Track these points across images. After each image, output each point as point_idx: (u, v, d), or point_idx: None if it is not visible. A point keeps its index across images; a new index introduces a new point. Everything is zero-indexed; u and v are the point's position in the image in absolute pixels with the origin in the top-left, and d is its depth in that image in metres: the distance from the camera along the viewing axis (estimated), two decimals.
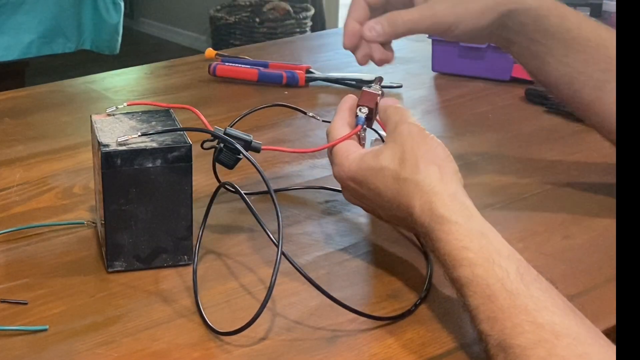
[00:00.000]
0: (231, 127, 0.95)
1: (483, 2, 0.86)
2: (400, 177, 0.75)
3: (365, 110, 0.83)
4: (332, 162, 0.83)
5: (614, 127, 0.89)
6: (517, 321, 0.64)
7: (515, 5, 0.87)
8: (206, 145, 0.79)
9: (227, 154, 0.79)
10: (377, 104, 0.84)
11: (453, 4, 0.85)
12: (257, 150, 0.79)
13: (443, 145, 0.77)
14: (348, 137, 0.81)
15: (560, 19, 0.88)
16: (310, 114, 0.93)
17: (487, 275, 0.67)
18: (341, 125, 0.83)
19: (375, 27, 0.85)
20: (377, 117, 0.85)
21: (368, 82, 1.29)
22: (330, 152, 0.82)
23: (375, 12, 0.90)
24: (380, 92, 0.85)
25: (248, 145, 0.79)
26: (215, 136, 0.78)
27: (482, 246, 0.69)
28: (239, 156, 0.79)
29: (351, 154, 0.80)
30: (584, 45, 0.88)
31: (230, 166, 0.79)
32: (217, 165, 0.82)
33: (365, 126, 0.83)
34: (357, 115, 0.83)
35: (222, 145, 0.78)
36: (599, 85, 0.88)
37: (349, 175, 0.79)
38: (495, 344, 0.64)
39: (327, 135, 0.83)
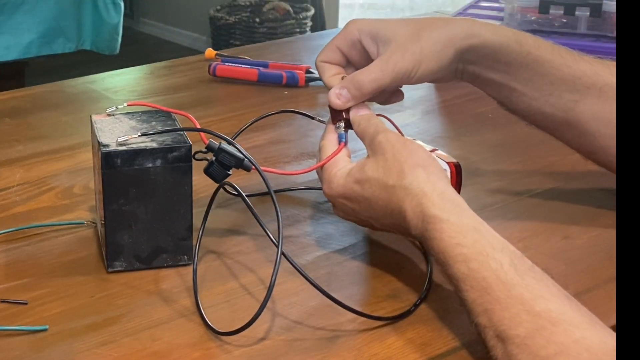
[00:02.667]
0: (236, 137, 0.95)
1: (438, 43, 0.84)
2: (388, 185, 0.76)
3: (341, 124, 0.84)
4: (320, 180, 0.83)
5: (591, 146, 0.88)
6: (514, 311, 0.65)
7: (471, 41, 0.85)
8: (198, 156, 0.80)
9: (217, 168, 0.79)
10: (347, 110, 0.84)
11: (408, 51, 0.83)
12: (247, 169, 0.79)
13: (423, 148, 0.79)
14: (333, 157, 0.82)
15: (519, 45, 0.86)
16: (318, 119, 0.93)
17: (482, 268, 0.68)
18: (331, 141, 0.83)
19: (342, 93, 0.84)
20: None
21: None
22: (320, 170, 0.83)
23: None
24: None
25: (240, 164, 0.79)
26: (210, 150, 0.79)
27: (476, 240, 0.70)
28: (228, 172, 0.79)
29: (338, 170, 0.81)
30: (546, 67, 0.87)
31: (218, 181, 0.80)
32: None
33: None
34: (338, 133, 0.84)
35: (214, 159, 0.78)
36: (570, 106, 0.87)
37: (338, 192, 0.80)
38: (494, 336, 0.65)
39: (320, 150, 0.84)
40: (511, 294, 0.66)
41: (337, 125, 0.84)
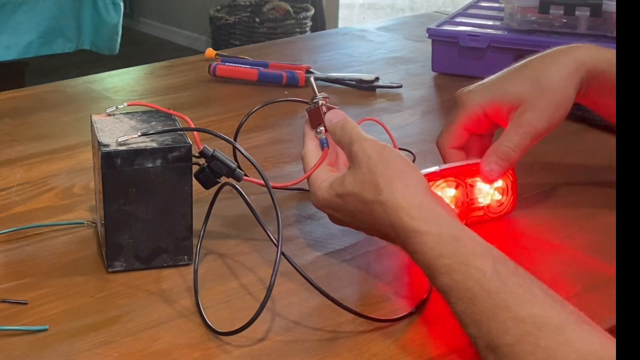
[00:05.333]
0: (238, 133, 0.95)
1: (559, 89, 0.86)
2: (367, 199, 0.76)
3: (321, 128, 0.83)
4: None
5: None
6: (500, 320, 0.65)
7: (582, 73, 0.87)
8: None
9: (207, 174, 0.79)
10: (324, 113, 0.84)
11: (537, 107, 0.86)
12: (238, 179, 0.79)
13: (402, 155, 0.78)
14: (317, 167, 0.82)
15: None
16: (321, 99, 0.89)
17: (465, 278, 0.68)
18: (312, 148, 0.83)
19: (493, 169, 0.86)
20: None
21: (368, 82, 1.30)
22: (308, 180, 0.83)
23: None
24: (320, 102, 0.84)
25: (231, 173, 0.79)
26: (202, 156, 0.78)
27: (457, 250, 0.69)
28: (218, 179, 0.79)
29: (322, 182, 0.81)
30: None
31: (207, 187, 0.79)
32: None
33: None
34: (319, 138, 0.84)
35: (205, 165, 0.78)
36: None
37: (324, 204, 0.80)
38: (484, 346, 0.65)
39: (302, 160, 0.84)
40: (496, 302, 0.65)
41: (318, 130, 0.84)
